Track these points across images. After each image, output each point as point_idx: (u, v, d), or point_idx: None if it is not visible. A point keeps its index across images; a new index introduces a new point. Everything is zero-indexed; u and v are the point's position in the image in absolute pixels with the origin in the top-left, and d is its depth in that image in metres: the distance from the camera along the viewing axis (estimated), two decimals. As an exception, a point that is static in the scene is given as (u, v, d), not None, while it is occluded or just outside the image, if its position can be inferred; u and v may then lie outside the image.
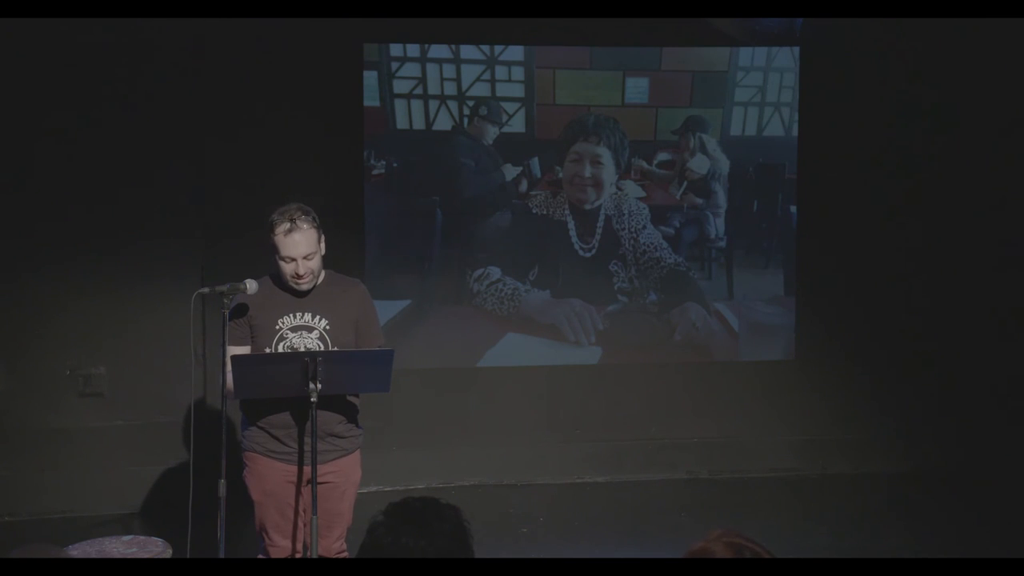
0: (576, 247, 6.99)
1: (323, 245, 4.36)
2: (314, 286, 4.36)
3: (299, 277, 4.27)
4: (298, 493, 4.37)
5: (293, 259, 4.26)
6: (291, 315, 4.34)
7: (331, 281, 4.45)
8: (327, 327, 4.35)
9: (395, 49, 6.73)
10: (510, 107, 6.87)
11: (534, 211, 6.95)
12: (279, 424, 4.33)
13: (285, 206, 4.31)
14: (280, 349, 4.31)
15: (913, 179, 7.06)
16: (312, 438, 4.17)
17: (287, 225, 4.24)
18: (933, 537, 5.90)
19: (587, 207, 6.99)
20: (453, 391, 6.86)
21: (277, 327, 4.33)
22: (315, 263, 4.31)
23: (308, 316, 4.35)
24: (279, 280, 4.36)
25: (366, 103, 6.70)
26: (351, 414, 4.45)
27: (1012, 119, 6.96)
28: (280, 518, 4.38)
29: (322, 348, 4.32)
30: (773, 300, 7.19)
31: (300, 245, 4.25)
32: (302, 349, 4.30)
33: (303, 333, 4.34)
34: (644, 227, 7.03)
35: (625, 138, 6.98)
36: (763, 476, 7.00)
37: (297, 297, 4.35)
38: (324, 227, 4.39)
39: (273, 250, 4.30)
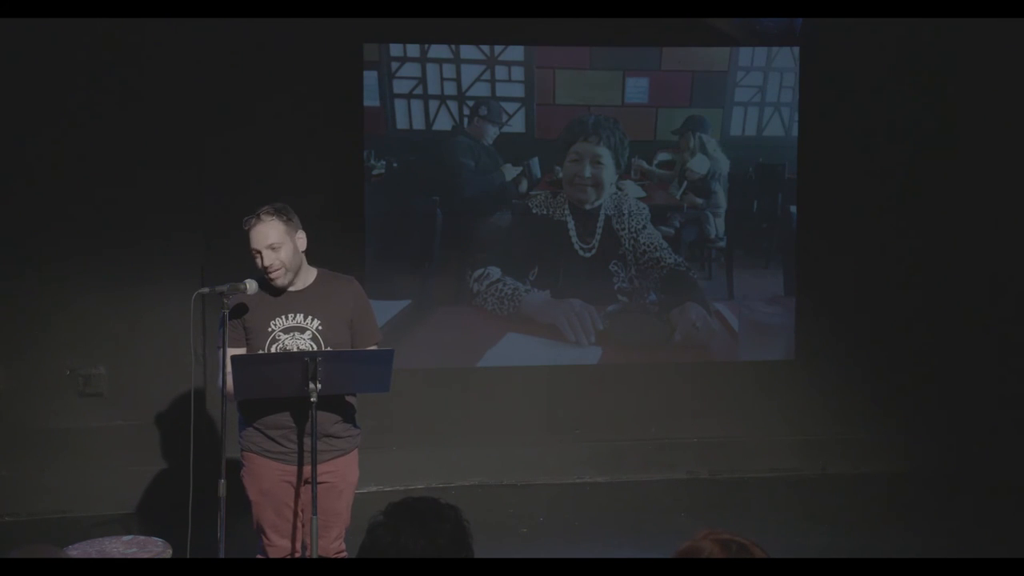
0: (576, 247, 6.99)
1: (301, 241, 4.33)
2: (290, 283, 4.31)
3: (267, 269, 4.27)
4: (296, 493, 4.37)
5: (259, 251, 4.26)
6: (283, 316, 4.33)
7: (323, 280, 4.44)
8: (319, 327, 4.34)
9: (395, 49, 6.73)
10: (510, 107, 6.87)
11: (534, 211, 6.95)
12: (275, 424, 4.32)
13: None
14: (273, 351, 4.30)
15: (913, 179, 7.06)
16: (312, 438, 4.17)
17: (252, 220, 4.29)
18: (933, 537, 5.89)
19: (587, 207, 6.98)
20: (453, 391, 6.85)
21: (269, 328, 4.32)
22: (284, 254, 4.27)
23: (300, 317, 4.34)
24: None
25: (366, 103, 6.70)
26: (347, 414, 4.45)
27: (1013, 119, 6.95)
28: (277, 518, 4.38)
29: (315, 349, 4.31)
30: (773, 300, 7.18)
31: (263, 235, 4.25)
32: (295, 350, 4.29)
33: (295, 334, 4.33)
34: (644, 227, 7.03)
35: (625, 138, 6.97)
36: (763, 476, 7.00)
37: (289, 298, 4.35)
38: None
39: None
